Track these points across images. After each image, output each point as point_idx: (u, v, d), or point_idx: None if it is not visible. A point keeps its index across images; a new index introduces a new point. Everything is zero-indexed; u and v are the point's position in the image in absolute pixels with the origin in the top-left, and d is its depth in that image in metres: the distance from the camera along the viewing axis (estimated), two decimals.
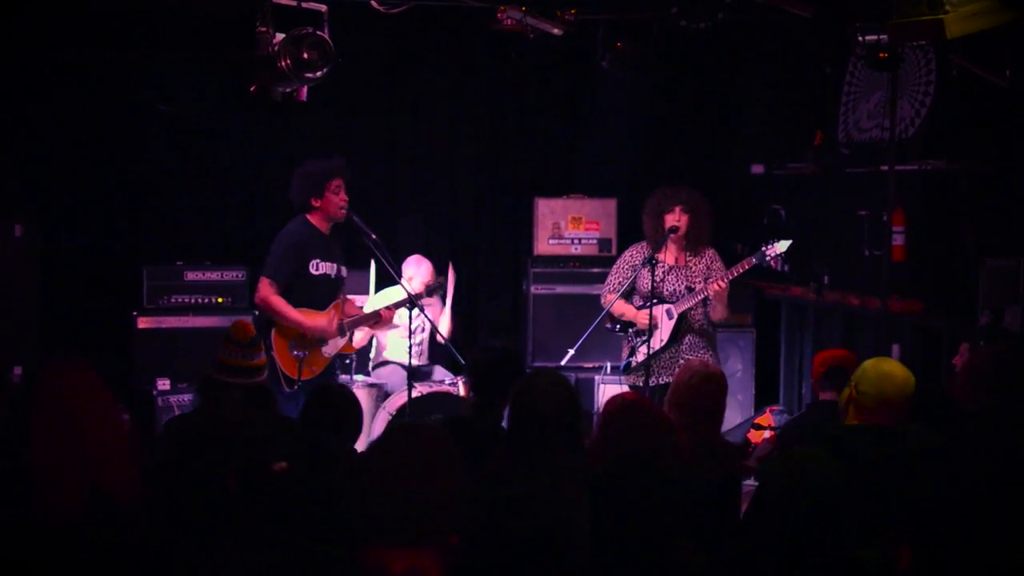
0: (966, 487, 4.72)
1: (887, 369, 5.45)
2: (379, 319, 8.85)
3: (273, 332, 8.31)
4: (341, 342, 8.62)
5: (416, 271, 9.92)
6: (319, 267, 8.47)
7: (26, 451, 4.42)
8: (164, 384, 9.83)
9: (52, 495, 4.27)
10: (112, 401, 4.56)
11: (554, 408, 4.91)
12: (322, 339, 8.45)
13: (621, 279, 8.90)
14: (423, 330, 10.00)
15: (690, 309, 8.69)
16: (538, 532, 4.49)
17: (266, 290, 8.36)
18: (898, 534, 4.58)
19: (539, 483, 4.67)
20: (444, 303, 10.20)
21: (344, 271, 8.72)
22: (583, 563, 4.33)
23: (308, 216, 8.54)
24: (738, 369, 10.88)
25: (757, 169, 11.37)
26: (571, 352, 9.42)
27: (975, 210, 8.85)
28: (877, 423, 5.36)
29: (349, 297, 8.99)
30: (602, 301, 9.06)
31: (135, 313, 10.15)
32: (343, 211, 8.52)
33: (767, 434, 9.89)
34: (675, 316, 8.67)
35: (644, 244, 8.91)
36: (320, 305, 8.48)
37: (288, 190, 8.62)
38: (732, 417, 10.45)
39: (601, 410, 5.40)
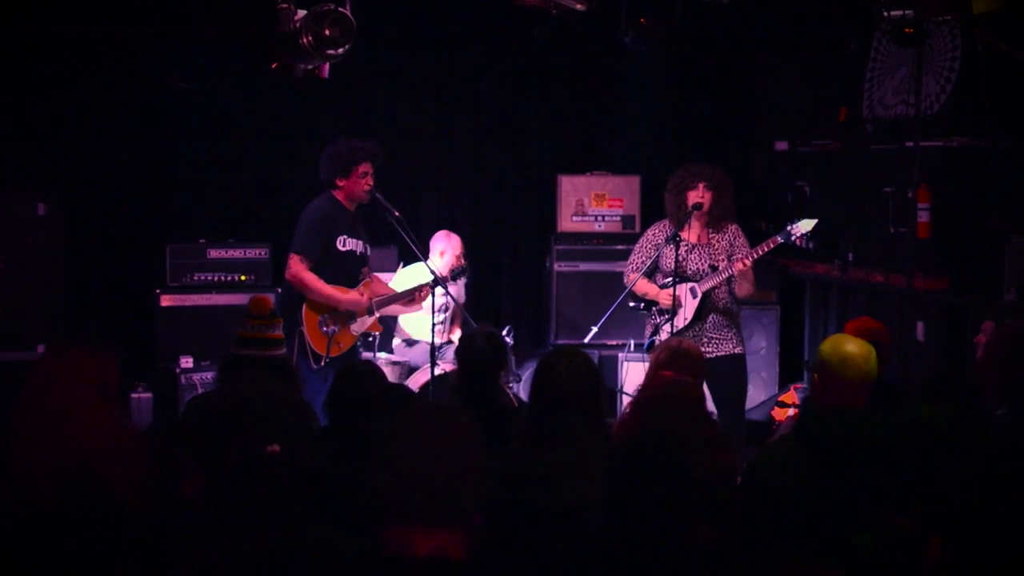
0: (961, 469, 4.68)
1: (846, 352, 5.24)
2: (412, 298, 8.84)
3: (304, 308, 8.31)
4: (369, 320, 8.63)
5: (447, 244, 9.89)
6: (346, 243, 8.48)
7: (9, 432, 4.46)
8: (187, 362, 9.86)
9: (26, 477, 4.29)
10: (107, 399, 4.56)
11: (576, 386, 4.90)
12: (352, 315, 8.46)
13: (644, 258, 8.86)
14: (446, 308, 9.99)
15: (714, 288, 8.65)
16: (560, 510, 4.48)
17: (297, 266, 8.36)
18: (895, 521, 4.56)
19: (561, 461, 4.66)
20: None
21: (368, 249, 8.73)
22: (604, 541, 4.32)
23: (333, 193, 8.54)
24: (762, 346, 10.86)
25: (781, 146, 11.33)
26: (594, 330, 9.41)
27: (1000, 187, 8.79)
28: (846, 405, 5.23)
29: (376, 275, 8.99)
30: (625, 280, 9.03)
31: (158, 291, 10.16)
32: (367, 195, 8.52)
33: (791, 411, 9.88)
34: (699, 295, 8.63)
35: (666, 222, 8.87)
36: (349, 282, 8.51)
37: (317, 163, 8.62)
38: (756, 395, 10.45)
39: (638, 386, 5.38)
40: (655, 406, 5.07)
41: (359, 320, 8.54)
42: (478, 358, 6.47)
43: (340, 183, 8.51)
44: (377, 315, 8.72)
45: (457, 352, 6.79)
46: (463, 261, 9.64)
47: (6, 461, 4.39)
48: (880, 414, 5.23)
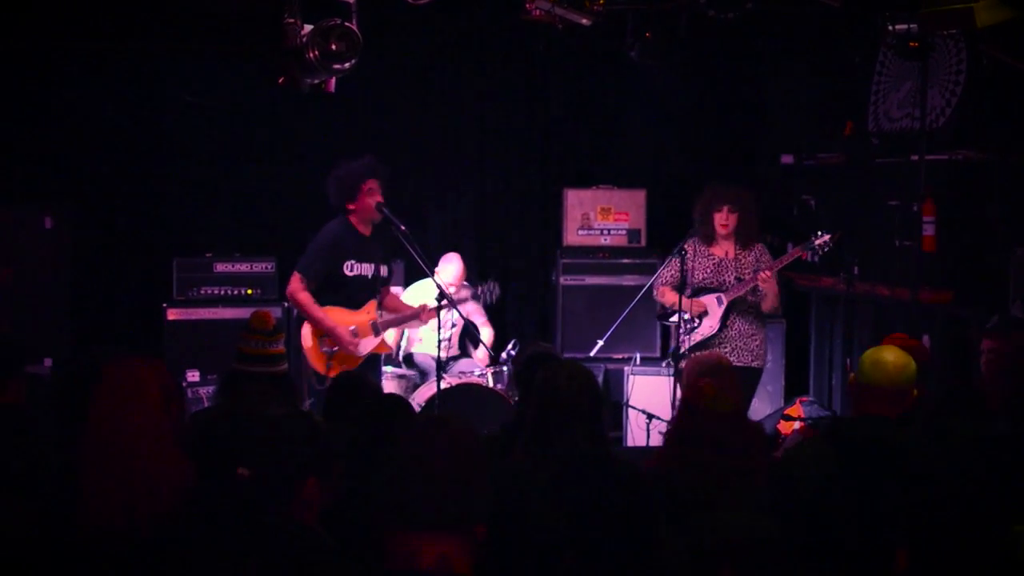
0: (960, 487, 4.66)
1: (879, 357, 5.21)
2: (416, 319, 8.89)
3: (304, 326, 8.35)
4: (375, 341, 8.62)
5: (443, 267, 9.90)
6: (354, 268, 8.52)
7: (76, 457, 4.44)
8: (194, 376, 9.87)
9: (96, 502, 4.29)
10: (160, 404, 4.56)
11: (576, 399, 4.89)
12: (355, 335, 8.46)
13: (673, 271, 9.00)
14: (453, 325, 10.00)
15: (739, 298, 8.89)
16: (561, 523, 4.48)
17: (295, 285, 8.41)
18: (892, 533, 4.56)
19: (561, 474, 4.65)
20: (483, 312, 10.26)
21: (384, 270, 8.76)
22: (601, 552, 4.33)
23: (348, 216, 8.60)
24: (768, 360, 10.85)
25: (787, 159, 11.34)
26: (600, 343, 9.43)
27: (1006, 199, 8.81)
28: (879, 413, 5.22)
29: (393, 292, 9.01)
30: (654, 293, 9.20)
31: (165, 305, 10.19)
32: (377, 211, 8.55)
33: (797, 425, 9.88)
34: (724, 303, 8.90)
35: (696, 239, 9.00)
36: (353, 304, 8.54)
37: (324, 182, 8.64)
38: (762, 408, 10.44)
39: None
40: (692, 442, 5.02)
41: (364, 341, 8.54)
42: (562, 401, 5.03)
43: (350, 206, 8.55)
44: (383, 335, 8.72)
45: (537, 393, 5.17)
46: (454, 288, 9.60)
47: (81, 479, 4.38)
48: (917, 425, 5.24)
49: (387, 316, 8.75)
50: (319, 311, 8.38)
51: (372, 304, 8.65)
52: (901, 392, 5.15)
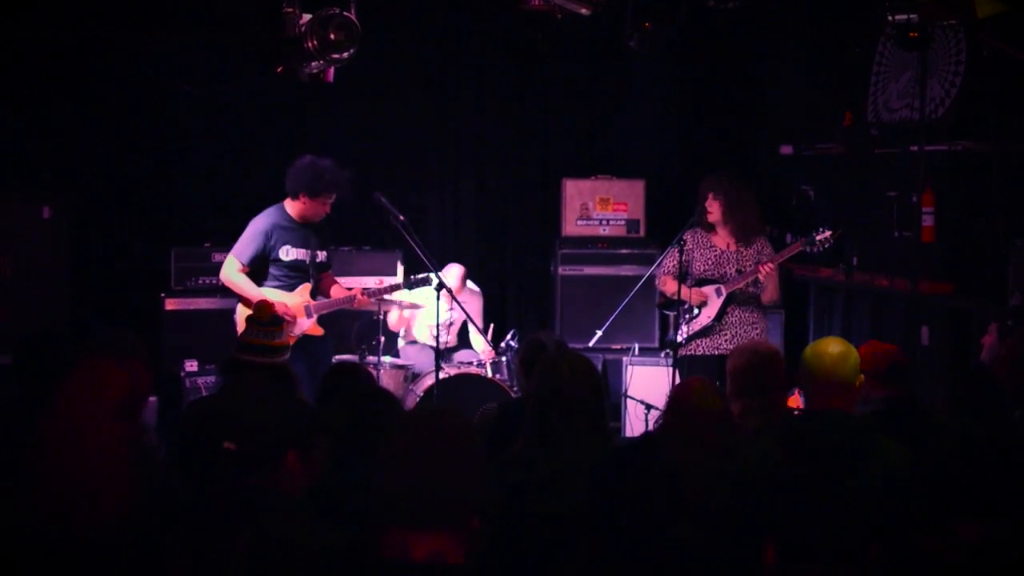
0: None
1: (820, 349, 5.10)
2: (351, 304, 9.01)
3: (238, 309, 8.56)
4: (307, 323, 8.76)
5: (443, 273, 9.84)
6: (290, 253, 8.70)
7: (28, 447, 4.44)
8: (192, 365, 9.87)
9: (38, 495, 4.29)
10: (128, 413, 4.55)
11: (578, 390, 4.87)
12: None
13: (674, 261, 9.00)
14: (451, 323, 9.99)
15: (739, 289, 8.90)
16: (560, 514, 4.48)
17: (231, 267, 8.65)
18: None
19: (562, 465, 4.65)
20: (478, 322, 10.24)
21: (321, 255, 8.91)
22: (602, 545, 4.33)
23: (286, 204, 8.78)
24: None
25: (786, 150, 11.32)
26: (599, 333, 9.43)
27: (1005, 190, 8.79)
28: (826, 408, 5.10)
29: (337, 279, 9.16)
30: (656, 282, 9.21)
31: (163, 295, 10.18)
32: (320, 220, 8.82)
33: (796, 415, 9.89)
34: (724, 294, 8.89)
35: (698, 229, 9.02)
36: (287, 287, 8.72)
37: (289, 167, 8.70)
38: None
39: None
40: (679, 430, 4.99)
41: (297, 322, 8.62)
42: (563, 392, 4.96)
43: (302, 199, 8.70)
44: (315, 318, 8.78)
45: (538, 384, 5.09)
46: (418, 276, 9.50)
47: (27, 471, 4.39)
48: (870, 419, 5.19)
49: (320, 300, 8.91)
50: (256, 289, 8.53)
51: (306, 287, 8.80)
52: (843, 384, 5.07)
